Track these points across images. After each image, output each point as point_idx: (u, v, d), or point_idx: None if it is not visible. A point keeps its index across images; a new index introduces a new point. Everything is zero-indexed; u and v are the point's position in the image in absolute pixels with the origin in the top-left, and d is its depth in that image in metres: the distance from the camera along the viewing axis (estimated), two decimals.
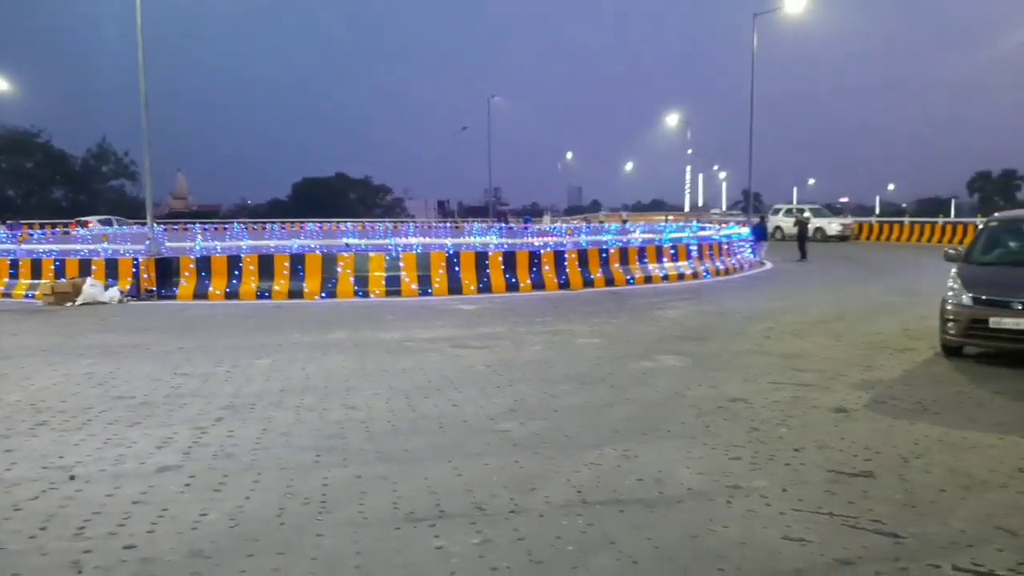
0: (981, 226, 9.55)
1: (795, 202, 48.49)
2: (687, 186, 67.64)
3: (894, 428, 5.46)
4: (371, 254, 15.31)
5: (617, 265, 16.78)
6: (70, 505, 4.10)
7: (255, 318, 11.91)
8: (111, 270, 14.82)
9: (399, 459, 4.86)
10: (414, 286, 14.79)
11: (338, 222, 48.43)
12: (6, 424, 5.66)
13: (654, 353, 8.43)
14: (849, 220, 39.83)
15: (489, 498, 4.17)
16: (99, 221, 45.28)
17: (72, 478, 4.52)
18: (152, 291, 14.50)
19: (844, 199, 78.88)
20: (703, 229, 24.72)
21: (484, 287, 15.10)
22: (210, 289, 14.49)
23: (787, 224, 34.93)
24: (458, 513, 3.97)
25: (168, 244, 16.17)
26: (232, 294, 14.41)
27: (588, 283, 16.01)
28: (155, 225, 17.52)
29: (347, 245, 16.94)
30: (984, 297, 7.60)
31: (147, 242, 15.48)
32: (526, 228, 33.14)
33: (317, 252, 15.29)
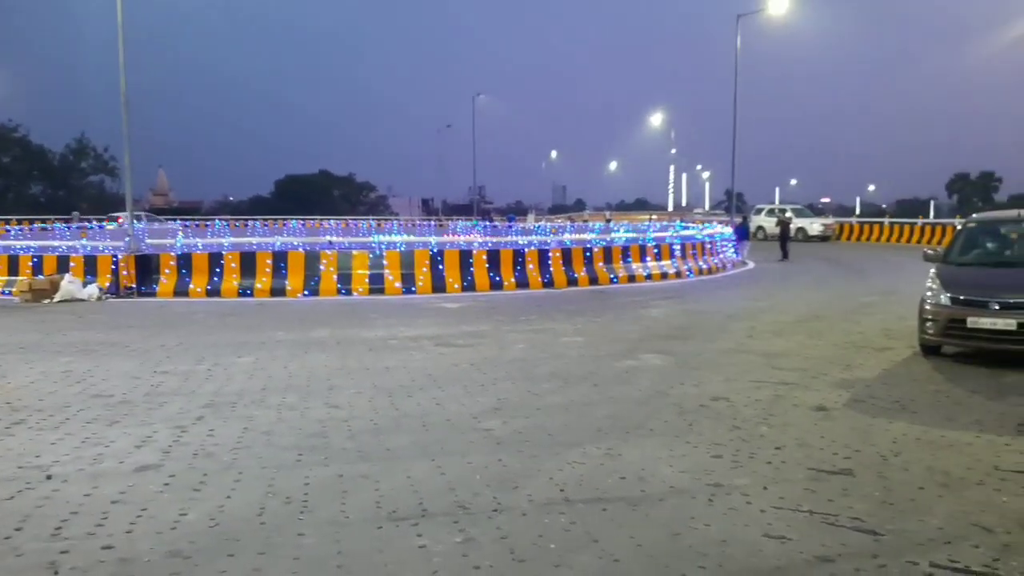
0: (959, 227, 9.68)
1: (777, 202, 48.87)
2: (671, 186, 67.97)
3: (873, 426, 5.52)
4: (354, 252, 15.24)
5: (601, 264, 16.83)
6: (47, 505, 4.04)
7: (237, 316, 11.81)
8: (90, 267, 14.65)
9: (382, 458, 4.85)
10: (398, 284, 14.74)
11: (321, 219, 48.17)
12: None
13: (637, 352, 8.47)
14: (830, 220, 40.26)
15: (472, 497, 4.16)
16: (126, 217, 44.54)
17: (49, 478, 4.46)
18: (132, 288, 14.34)
19: (825, 199, 79.57)
20: (686, 229, 24.84)
21: (468, 285, 15.08)
22: (191, 286, 14.36)
23: (769, 224, 35.24)
24: (441, 512, 3.96)
25: (148, 241, 15.98)
26: (213, 291, 14.28)
27: (572, 282, 16.04)
28: (135, 222, 17.31)
29: (330, 243, 16.84)
30: (962, 297, 7.71)
31: (127, 238, 15.29)
32: (510, 227, 33.13)
33: (300, 250, 15.19)
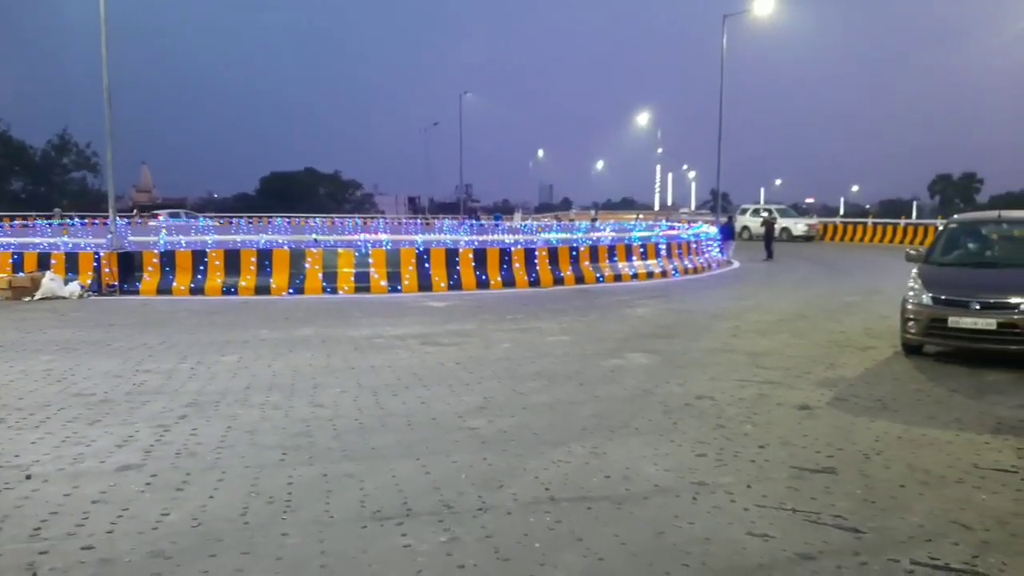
0: (941, 228, 9.79)
1: (762, 202, 49.19)
2: (657, 185, 68.22)
3: (855, 425, 5.57)
4: (340, 250, 15.16)
5: (587, 263, 16.86)
6: (26, 505, 3.99)
7: (221, 314, 11.72)
8: (71, 264, 14.48)
9: (366, 457, 4.83)
10: (383, 283, 14.69)
11: (307, 217, 47.89)
12: None
13: (623, 351, 8.49)
14: (814, 220, 40.58)
15: (457, 496, 4.16)
16: (168, 214, 44.36)
17: (28, 477, 4.40)
18: (114, 286, 14.19)
19: (810, 200, 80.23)
20: (672, 228, 24.94)
21: (455, 284, 15.06)
22: (174, 284, 14.24)
23: (754, 224, 35.47)
24: (426, 511, 3.95)
25: (131, 238, 15.82)
26: (197, 289, 14.16)
27: (558, 281, 16.06)
28: (118, 218, 17.13)
29: (316, 240, 16.75)
30: (943, 297, 7.79)
31: (109, 235, 15.13)
32: (497, 225, 33.14)
33: (285, 247, 15.10)
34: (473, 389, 6.64)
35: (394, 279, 14.79)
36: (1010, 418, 5.77)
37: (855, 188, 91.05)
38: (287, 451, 4.92)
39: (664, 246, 19.07)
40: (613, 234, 20.08)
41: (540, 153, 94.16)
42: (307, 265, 14.58)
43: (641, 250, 18.29)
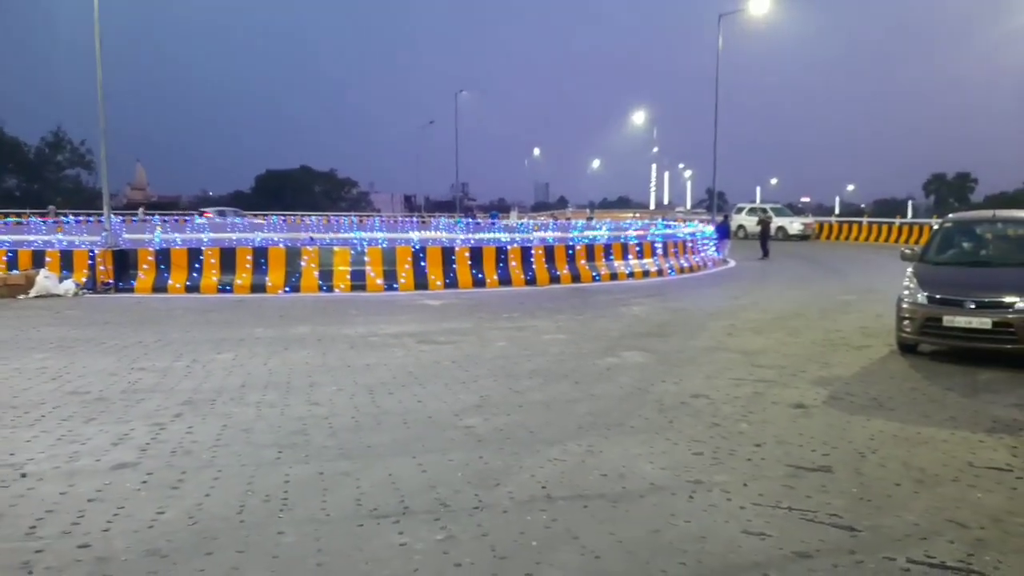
0: (936, 227, 9.82)
1: (758, 201, 49.29)
2: (652, 184, 68.30)
3: (851, 424, 5.58)
4: (336, 248, 15.14)
5: (583, 262, 16.87)
6: (20, 504, 3.98)
7: (216, 312, 11.69)
8: (66, 262, 14.43)
9: (362, 455, 4.82)
10: (379, 281, 14.67)
11: (302, 215, 47.76)
12: None
13: (618, 349, 8.50)
14: (810, 220, 40.69)
15: (453, 494, 4.15)
16: (216, 212, 44.22)
17: (23, 475, 4.39)
18: (109, 284, 14.15)
19: (805, 199, 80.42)
20: (668, 227, 24.97)
21: (451, 282, 15.05)
22: (169, 282, 14.19)
23: (750, 223, 35.53)
24: (422, 509, 3.95)
25: (126, 235, 15.76)
26: (192, 288, 14.13)
27: (554, 279, 16.06)
28: (112, 216, 17.06)
29: (311, 239, 16.71)
30: (938, 296, 7.82)
31: (103, 233, 15.08)
32: (493, 224, 33.11)
33: (280, 245, 15.06)
34: (469, 387, 6.64)
35: (390, 277, 14.77)
36: (1004, 417, 5.80)
37: (850, 187, 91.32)
38: (283, 449, 4.91)
39: (660, 245, 19.09)
40: (609, 233, 20.07)
41: (536, 152, 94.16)
42: (303, 263, 14.55)
43: (637, 249, 18.31)
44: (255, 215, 46.17)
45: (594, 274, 16.77)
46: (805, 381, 6.96)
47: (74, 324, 10.38)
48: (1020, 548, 3.54)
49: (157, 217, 40.93)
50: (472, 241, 16.95)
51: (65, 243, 15.52)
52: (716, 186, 37.51)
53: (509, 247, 16.15)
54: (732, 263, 22.57)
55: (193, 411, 5.79)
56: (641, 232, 20.23)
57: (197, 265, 14.36)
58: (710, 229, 24.38)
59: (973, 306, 7.53)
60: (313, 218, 41.18)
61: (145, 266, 14.39)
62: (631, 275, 17.49)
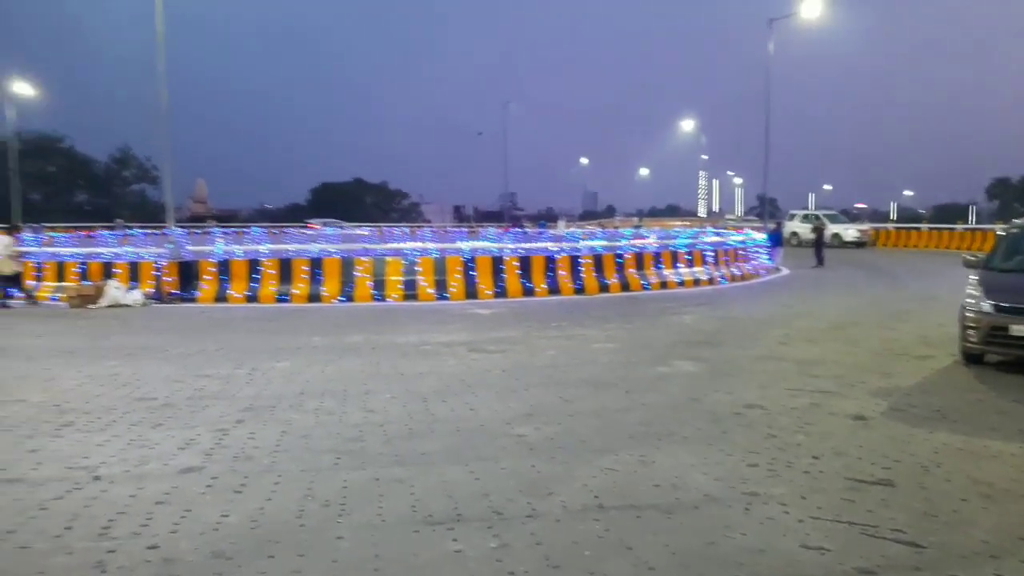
0: (1002, 233, 9.45)
1: (811, 208, 48.16)
2: (702, 191, 67.40)
3: (913, 436, 5.42)
4: (388, 258, 15.40)
5: (632, 270, 16.76)
6: (94, 505, 4.17)
7: (274, 321, 12.02)
8: (134, 273, 15.04)
9: (416, 462, 4.90)
10: (431, 290, 14.86)
11: (355, 226, 48.66)
12: (31, 425, 5.77)
13: (669, 358, 8.42)
14: (866, 226, 39.54)
15: (506, 502, 4.19)
16: (322, 224, 46.25)
17: (97, 478, 4.59)
18: (174, 294, 14.69)
19: (861, 205, 78.20)
20: (718, 235, 24.60)
21: (500, 291, 15.14)
22: (230, 292, 14.66)
23: (803, 230, 34.73)
24: (475, 517, 3.99)
25: (189, 247, 16.34)
26: (252, 297, 14.56)
27: (603, 288, 16.00)
28: (178, 228, 17.75)
29: (365, 249, 17.03)
30: (1005, 304, 7.53)
31: (168, 245, 15.68)
32: (541, 233, 33.13)
33: (335, 256, 15.40)
34: (520, 396, 6.68)
35: (441, 287, 14.95)
36: None
37: (908, 193, 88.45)
38: (340, 455, 5.03)
39: (711, 253, 18.84)
40: (658, 241, 19.90)
41: (584, 161, 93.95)
42: (357, 273, 14.85)
43: (687, 257, 18.10)
44: (356, 226, 47.69)
45: (643, 282, 16.64)
46: (864, 392, 6.78)
47: (141, 333, 10.81)
48: None
49: (217, 230, 42.22)
50: (521, 250, 17.03)
51: (133, 255, 16.17)
52: (768, 193, 36.85)
53: (558, 256, 16.17)
54: (785, 271, 22.10)
55: (254, 417, 5.98)
56: (691, 240, 19.98)
57: (256, 276, 14.80)
58: (762, 236, 23.93)
59: None
60: (366, 229, 41.96)
61: (207, 277, 14.90)
62: (681, 283, 17.30)
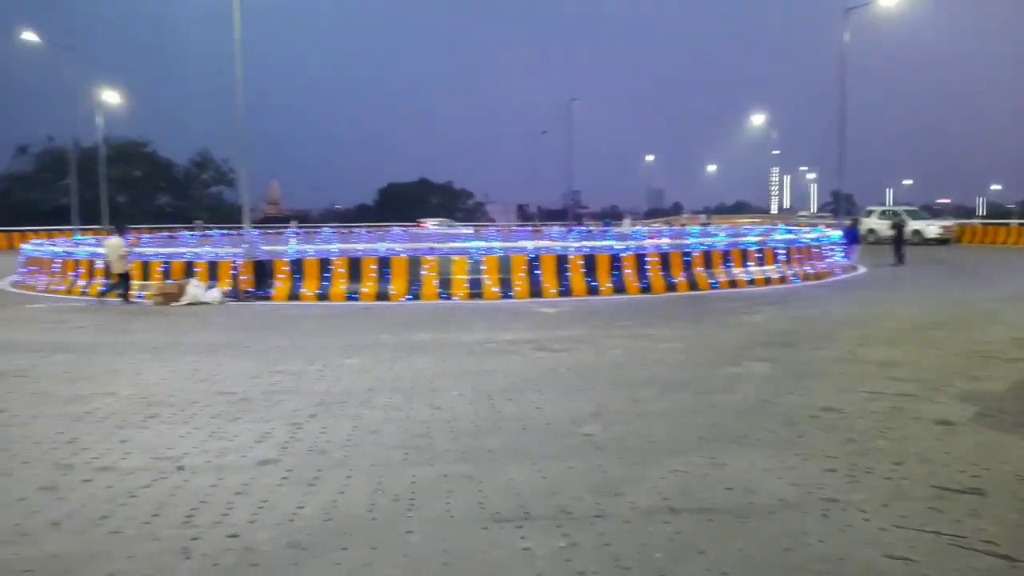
0: None
1: (889, 203, 46.17)
2: (773, 188, 65.53)
3: (1004, 443, 5.13)
4: (453, 257, 15.58)
5: (700, 269, 16.44)
6: (178, 494, 4.36)
7: (344, 319, 12.32)
8: (212, 272, 15.67)
9: (483, 459, 4.93)
10: (495, 289, 14.95)
11: (384, 226, 49.42)
12: (121, 416, 6.08)
13: (740, 359, 8.22)
14: (949, 222, 37.63)
15: (574, 501, 4.17)
16: (435, 224, 48.60)
17: (180, 468, 4.80)
18: (249, 292, 15.24)
19: (943, 200, 74.57)
20: (790, 232, 23.86)
21: (564, 290, 15.10)
22: (302, 291, 15.10)
23: (881, 226, 33.35)
24: (543, 515, 3.99)
25: (263, 247, 16.93)
26: (323, 295, 14.96)
27: (670, 287, 15.76)
28: (251, 229, 18.41)
29: (431, 248, 17.28)
30: None
31: (244, 245, 16.27)
32: (605, 231, 32.88)
33: (403, 255, 15.68)
34: (586, 395, 6.64)
35: (506, 285, 15.02)
36: None
37: (996, 187, 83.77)
38: (409, 451, 5.11)
39: (783, 251, 18.29)
40: (727, 239, 19.46)
41: (649, 157, 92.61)
42: (423, 272, 15.08)
43: (758, 255, 17.63)
44: (465, 225, 49.00)
45: (712, 281, 16.30)
46: (950, 396, 6.45)
47: (220, 329, 11.26)
48: None
49: (292, 230, 43.56)
50: (586, 249, 16.94)
51: (211, 255, 16.85)
52: (843, 189, 35.53)
53: (623, 255, 16.00)
54: (862, 269, 21.26)
55: (326, 412, 6.14)
56: (762, 238, 19.45)
57: (327, 275, 15.21)
58: (837, 234, 23.08)
59: None
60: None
61: (281, 275, 15.40)
62: (751, 282, 16.86)
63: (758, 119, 58.38)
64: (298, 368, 8.00)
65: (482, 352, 8.90)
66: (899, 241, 23.60)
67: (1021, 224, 36.17)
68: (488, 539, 3.72)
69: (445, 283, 15.02)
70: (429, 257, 15.56)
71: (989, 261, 24.26)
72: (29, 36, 38.13)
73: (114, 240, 15.16)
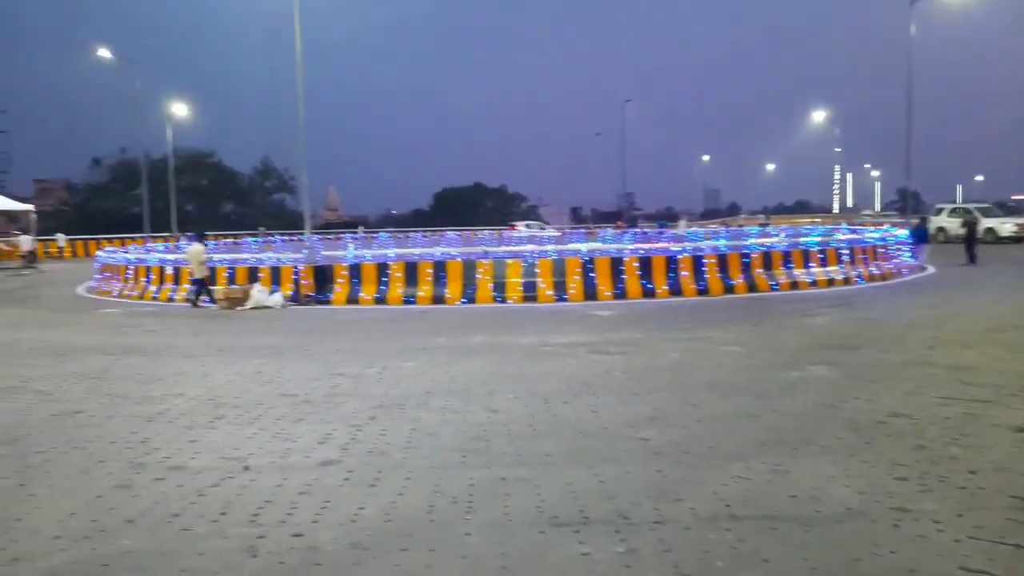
0: None
1: (959, 201, 44.23)
2: (835, 186, 63.62)
3: None
4: (508, 261, 15.63)
5: (759, 270, 16.07)
6: (245, 493, 4.50)
7: (402, 322, 12.50)
8: (275, 277, 16.12)
9: (540, 463, 4.93)
10: (550, 292, 14.93)
11: (476, 230, 49.79)
12: (190, 417, 6.31)
13: (802, 362, 8.00)
14: None
15: (632, 506, 4.13)
16: (525, 226, 50.17)
17: (246, 468, 4.95)
18: (310, 296, 15.62)
19: (1018, 196, 70.91)
20: (854, 231, 23.10)
21: (619, 293, 14.98)
22: (361, 295, 15.40)
23: (952, 225, 31.98)
24: (601, 520, 3.96)
25: (323, 252, 17.33)
26: (381, 299, 15.22)
27: (728, 289, 15.45)
28: (311, 235, 18.90)
29: (486, 252, 17.39)
30: None
31: (305, 251, 16.68)
32: (660, 233, 32.49)
33: (458, 259, 15.82)
34: (642, 398, 6.57)
35: (560, 288, 14.99)
36: None
37: None
38: (466, 454, 5.15)
39: (846, 251, 17.73)
40: (788, 239, 18.96)
41: (705, 158, 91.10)
42: (478, 276, 15.18)
43: (820, 256, 17.13)
44: (554, 227, 49.72)
45: (772, 283, 15.92)
46: None
47: (282, 333, 11.57)
48: None
49: (349, 235, 44.52)
50: (641, 251, 16.76)
51: (274, 260, 17.34)
52: (910, 186, 34.23)
53: (680, 256, 15.78)
54: (931, 269, 20.43)
55: (385, 414, 6.24)
56: (824, 238, 18.88)
57: (384, 279, 15.47)
58: (903, 233, 22.24)
59: None
60: (486, 232, 42.92)
61: (340, 280, 15.74)
62: (813, 284, 16.40)
63: (819, 116, 56.80)
64: (358, 371, 8.15)
65: (537, 355, 8.90)
66: (971, 240, 22.57)
67: None
68: (546, 542, 3.71)
69: (499, 286, 15.09)
70: (484, 261, 15.66)
71: None
72: (103, 53, 39.98)
73: (196, 246, 15.78)
